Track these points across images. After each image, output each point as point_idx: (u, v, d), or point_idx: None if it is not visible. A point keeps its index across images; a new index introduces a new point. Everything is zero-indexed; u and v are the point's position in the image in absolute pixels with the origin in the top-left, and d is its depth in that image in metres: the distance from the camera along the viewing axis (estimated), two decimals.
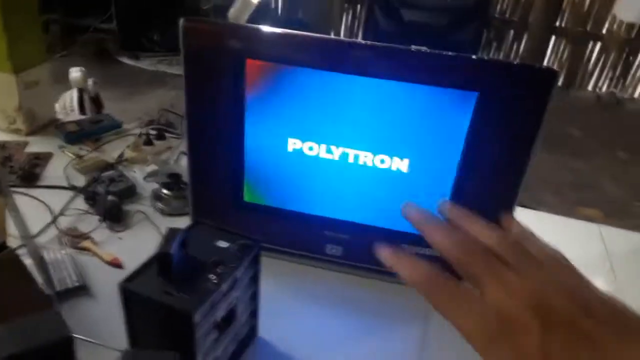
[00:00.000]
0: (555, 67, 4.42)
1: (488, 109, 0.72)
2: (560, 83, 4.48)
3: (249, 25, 0.74)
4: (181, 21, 0.75)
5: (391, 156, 0.79)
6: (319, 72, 0.75)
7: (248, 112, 0.80)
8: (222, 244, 0.67)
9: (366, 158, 0.79)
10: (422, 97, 0.74)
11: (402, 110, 0.75)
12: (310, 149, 0.81)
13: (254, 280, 0.72)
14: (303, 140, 0.80)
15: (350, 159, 0.80)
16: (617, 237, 1.11)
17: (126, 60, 3.16)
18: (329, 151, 0.80)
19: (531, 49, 4.26)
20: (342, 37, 4.51)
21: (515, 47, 4.40)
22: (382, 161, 0.79)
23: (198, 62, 0.78)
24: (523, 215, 1.11)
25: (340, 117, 0.77)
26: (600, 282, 0.99)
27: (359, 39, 4.28)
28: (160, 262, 0.61)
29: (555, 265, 0.37)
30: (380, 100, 0.75)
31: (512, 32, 4.36)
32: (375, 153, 0.79)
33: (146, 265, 0.63)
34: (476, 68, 0.72)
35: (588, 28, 4.33)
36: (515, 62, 1.14)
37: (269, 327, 0.80)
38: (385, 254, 0.40)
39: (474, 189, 0.80)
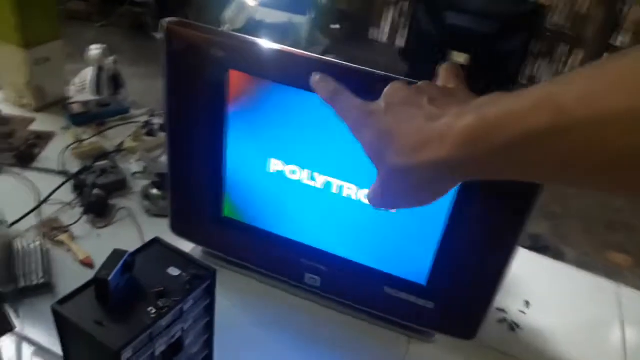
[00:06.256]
0: None
1: None
2: None
3: (235, 34, 0.68)
4: (165, 21, 0.69)
5: None
6: (306, 94, 0.68)
7: (230, 126, 0.74)
8: (174, 271, 0.62)
9: (350, 190, 0.73)
10: None
11: None
12: (293, 172, 0.74)
13: (209, 309, 0.67)
14: (286, 163, 0.74)
15: (334, 189, 0.73)
16: (634, 300, 1.01)
17: (160, 37, 3.14)
18: (312, 178, 0.74)
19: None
20: (385, 33, 4.39)
21: (569, 62, 4.19)
22: None
23: (180, 67, 0.72)
24: (539, 265, 1.04)
25: (326, 144, 0.71)
26: (608, 346, 0.90)
27: (397, 41, 4.16)
28: (97, 288, 0.57)
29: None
30: None
31: (564, 45, 4.14)
32: (360, 187, 0.72)
33: (85, 286, 0.58)
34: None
35: None
36: None
37: (226, 357, 0.75)
38: (314, 78, 0.50)
39: (468, 234, 0.72)
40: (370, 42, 4.49)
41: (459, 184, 0.40)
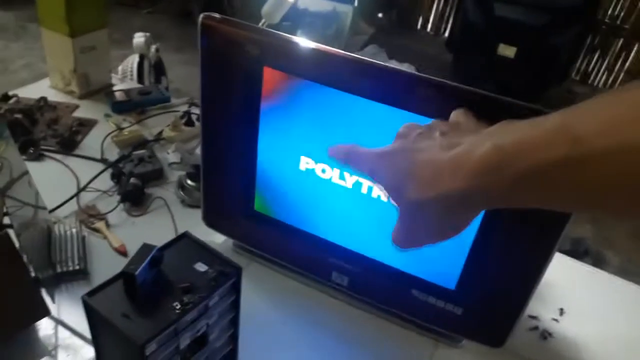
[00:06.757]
0: None
1: None
2: None
3: (270, 30, 0.67)
4: (200, 17, 0.69)
5: None
6: (339, 93, 0.67)
7: (262, 122, 0.74)
8: (201, 267, 0.63)
9: (379, 191, 0.72)
10: None
11: None
12: (323, 171, 0.74)
13: (234, 305, 0.67)
14: (316, 161, 0.74)
15: (364, 190, 0.73)
16: None
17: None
18: (342, 177, 0.73)
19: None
20: (431, 22, 4.30)
21: (622, 57, 4.00)
22: None
23: (215, 62, 0.73)
24: (577, 271, 1.01)
25: (357, 144, 0.70)
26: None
27: (443, 31, 4.07)
28: (125, 281, 0.58)
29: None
30: None
31: (620, 40, 3.96)
32: None
33: (115, 278, 0.60)
34: (506, 109, 0.62)
35: None
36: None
37: (251, 351, 0.75)
38: (329, 152, 0.50)
39: (501, 239, 0.70)
40: (415, 32, 4.41)
41: (480, 213, 0.39)
